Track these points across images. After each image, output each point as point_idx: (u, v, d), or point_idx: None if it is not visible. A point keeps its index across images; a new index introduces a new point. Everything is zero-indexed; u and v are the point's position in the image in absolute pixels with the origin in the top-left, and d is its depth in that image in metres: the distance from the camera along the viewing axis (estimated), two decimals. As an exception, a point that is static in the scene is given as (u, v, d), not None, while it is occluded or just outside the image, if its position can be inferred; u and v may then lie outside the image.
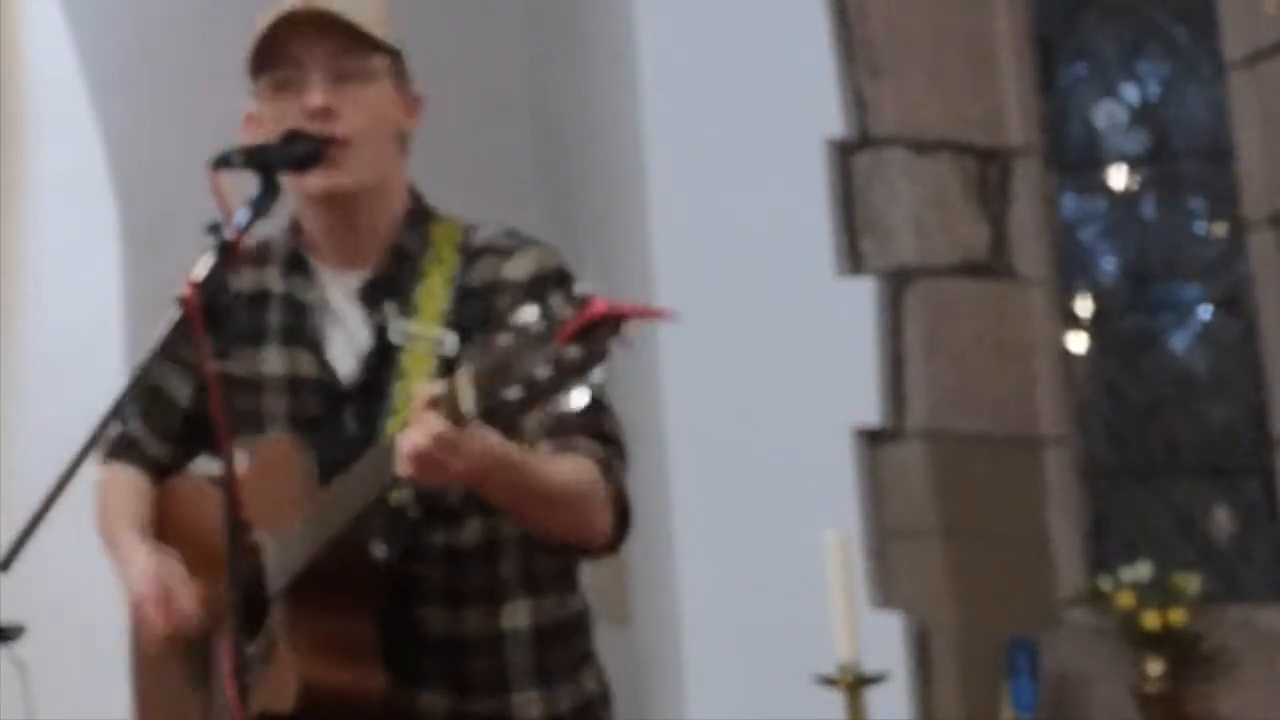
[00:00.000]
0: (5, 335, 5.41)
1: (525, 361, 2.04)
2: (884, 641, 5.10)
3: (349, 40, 2.50)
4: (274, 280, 2.61)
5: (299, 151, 2.43)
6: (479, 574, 2.52)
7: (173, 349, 2.59)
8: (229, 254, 2.24)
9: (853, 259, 5.70)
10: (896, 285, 5.69)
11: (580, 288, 2.10)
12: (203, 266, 2.22)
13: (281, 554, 2.42)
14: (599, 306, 2.03)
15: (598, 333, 2.03)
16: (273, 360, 2.59)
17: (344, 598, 2.42)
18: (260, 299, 2.62)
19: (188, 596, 2.53)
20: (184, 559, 2.56)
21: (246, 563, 2.43)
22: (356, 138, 2.49)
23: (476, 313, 2.50)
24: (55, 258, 5.40)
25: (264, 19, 2.51)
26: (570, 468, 2.42)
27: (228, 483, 2.19)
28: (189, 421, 2.66)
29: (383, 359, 2.51)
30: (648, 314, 2.06)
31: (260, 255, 2.63)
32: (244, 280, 2.62)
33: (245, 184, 2.37)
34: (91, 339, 5.11)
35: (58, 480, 2.18)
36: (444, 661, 2.50)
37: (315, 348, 2.57)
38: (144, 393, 2.65)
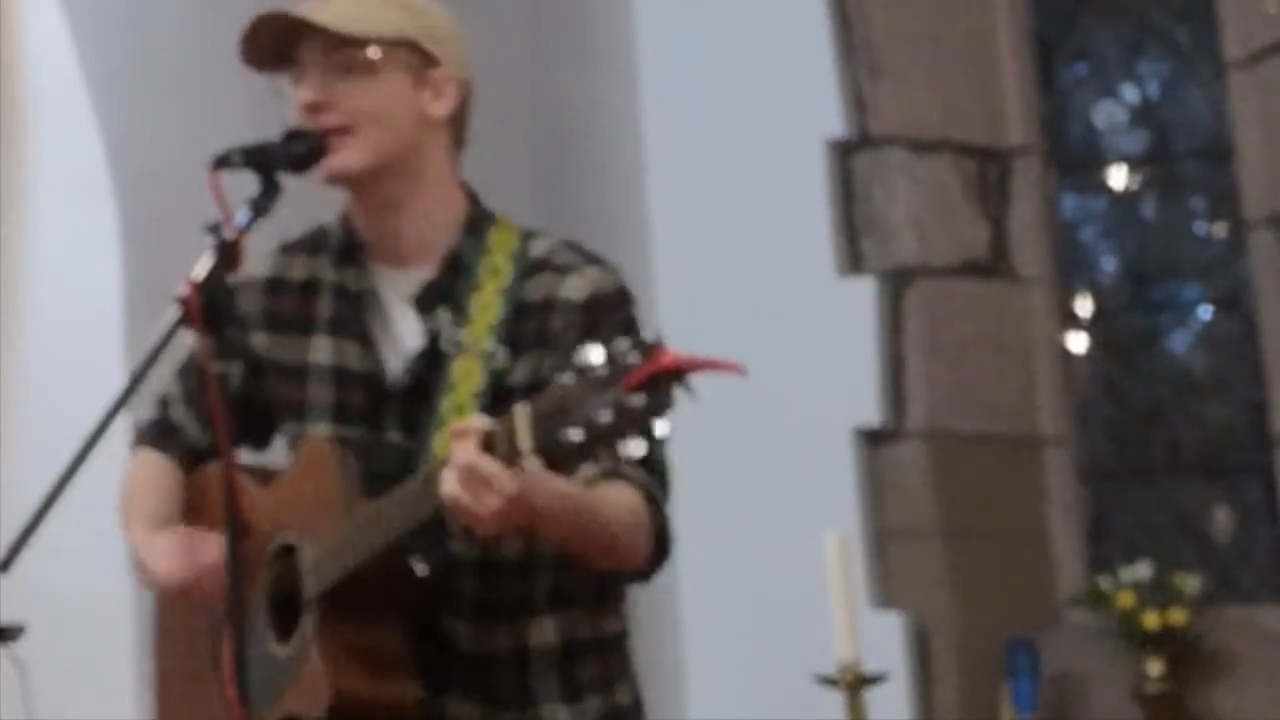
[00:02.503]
0: (5, 335, 5.40)
1: (586, 404, 2.03)
2: (884, 641, 5.10)
3: (336, 38, 2.50)
4: (326, 270, 2.60)
5: (299, 150, 2.43)
6: (511, 589, 2.50)
7: (221, 335, 2.61)
8: (229, 254, 2.24)
9: (853, 259, 5.70)
10: (896, 285, 5.70)
11: (648, 334, 2.07)
12: (203, 266, 2.22)
13: (320, 560, 2.40)
14: (667, 359, 2.01)
15: (663, 383, 2.01)
16: (321, 350, 2.57)
17: (381, 610, 2.41)
18: (311, 287, 2.60)
19: (212, 547, 2.50)
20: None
21: (283, 564, 2.45)
22: (356, 122, 2.48)
23: (530, 329, 2.47)
24: (55, 258, 5.39)
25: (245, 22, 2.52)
26: (618, 500, 2.40)
27: (227, 484, 2.19)
28: (239, 405, 2.60)
29: (431, 366, 2.49)
30: (717, 366, 2.04)
31: (314, 243, 2.63)
32: (295, 268, 2.62)
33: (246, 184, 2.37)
34: (91, 339, 5.10)
35: (58, 480, 2.18)
36: (472, 674, 2.49)
37: (364, 340, 2.55)
38: (193, 377, 2.64)
